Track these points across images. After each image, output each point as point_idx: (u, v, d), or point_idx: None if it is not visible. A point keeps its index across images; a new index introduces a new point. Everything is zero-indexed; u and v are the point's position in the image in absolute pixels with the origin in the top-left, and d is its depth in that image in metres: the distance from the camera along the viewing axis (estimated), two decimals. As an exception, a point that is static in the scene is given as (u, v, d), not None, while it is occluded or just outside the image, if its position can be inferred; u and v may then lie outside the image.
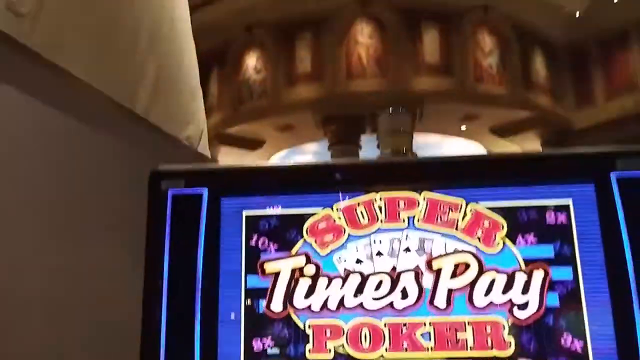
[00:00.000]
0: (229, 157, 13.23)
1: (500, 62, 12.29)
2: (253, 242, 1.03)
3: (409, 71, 11.72)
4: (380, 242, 1.02)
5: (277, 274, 1.02)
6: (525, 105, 12.32)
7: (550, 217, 1.00)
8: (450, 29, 12.00)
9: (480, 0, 11.95)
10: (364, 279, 1.01)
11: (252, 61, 12.61)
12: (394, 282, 1.00)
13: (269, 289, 1.01)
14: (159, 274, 1.02)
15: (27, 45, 1.61)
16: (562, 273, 0.98)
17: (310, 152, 14.85)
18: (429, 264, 1.01)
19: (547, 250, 0.99)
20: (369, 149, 12.13)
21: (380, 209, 1.03)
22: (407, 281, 1.00)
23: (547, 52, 13.25)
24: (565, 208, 0.99)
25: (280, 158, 14.69)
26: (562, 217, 0.99)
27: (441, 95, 11.61)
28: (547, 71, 13.11)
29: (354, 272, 1.01)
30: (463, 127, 12.91)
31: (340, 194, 1.03)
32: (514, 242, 1.00)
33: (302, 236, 1.03)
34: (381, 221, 1.03)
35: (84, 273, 1.66)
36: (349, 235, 1.03)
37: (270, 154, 14.10)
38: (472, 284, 0.99)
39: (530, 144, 13.47)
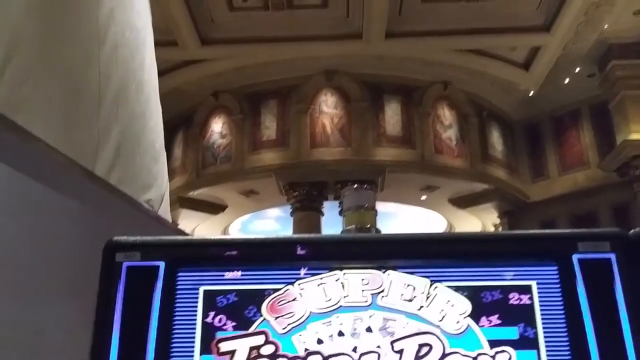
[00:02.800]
0: (191, 221, 13.04)
1: (459, 135, 12.70)
2: (209, 319, 0.99)
3: (371, 141, 11.99)
4: (342, 321, 0.99)
5: (233, 354, 0.96)
6: (482, 178, 12.67)
7: (514, 298, 0.99)
8: (411, 102, 12.42)
9: (440, 76, 12.46)
10: (325, 360, 0.97)
11: (217, 126, 12.71)
12: (356, 364, 0.96)
13: (225, 370, 0.96)
14: (107, 350, 0.96)
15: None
16: (526, 356, 0.96)
17: (272, 218, 14.78)
18: (392, 345, 0.97)
19: (512, 332, 0.97)
20: (331, 216, 12.16)
21: (343, 285, 1.01)
22: (370, 363, 0.97)
23: (504, 127, 13.81)
24: (529, 289, 0.99)
25: (242, 223, 14.56)
26: (525, 298, 0.99)
27: (402, 166, 11.87)
28: (504, 146, 13.61)
29: (314, 352, 0.97)
30: (423, 197, 13.13)
31: (302, 270, 1.00)
32: (477, 323, 0.98)
33: (261, 314, 0.99)
34: (344, 298, 1.00)
35: (32, 335, 1.57)
36: (310, 313, 0.99)
37: (232, 218, 13.98)
38: (436, 367, 0.96)
39: (487, 215, 13.77)
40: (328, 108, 12.12)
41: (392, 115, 12.22)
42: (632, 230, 1.00)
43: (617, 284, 0.96)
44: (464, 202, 13.22)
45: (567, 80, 12.54)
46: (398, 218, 13.90)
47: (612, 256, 0.97)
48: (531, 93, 12.90)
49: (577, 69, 12.20)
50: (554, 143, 13.50)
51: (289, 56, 11.67)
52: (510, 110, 13.73)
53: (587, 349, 0.94)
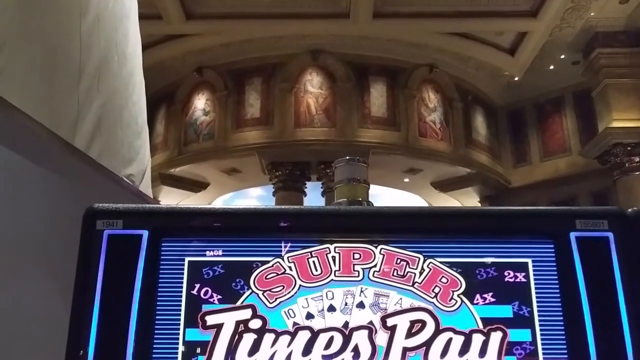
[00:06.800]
0: (171, 198, 12.93)
1: (443, 118, 12.71)
2: (195, 291, 0.95)
3: (356, 122, 11.94)
4: (333, 296, 0.96)
5: (219, 327, 0.93)
6: (465, 162, 12.72)
7: (509, 276, 0.96)
8: (396, 83, 12.37)
9: (426, 59, 12.41)
10: (314, 335, 0.93)
11: (200, 102, 12.54)
12: (346, 340, 0.94)
13: (210, 344, 0.92)
14: (87, 324, 0.91)
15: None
16: (520, 335, 0.94)
17: (254, 197, 14.72)
18: (383, 321, 0.95)
19: (506, 311, 0.95)
20: (313, 196, 12.14)
21: (334, 259, 0.97)
22: (360, 339, 0.94)
23: (488, 112, 13.84)
24: (524, 267, 0.97)
25: (223, 201, 14.48)
26: (521, 276, 0.96)
27: (386, 148, 11.85)
28: (487, 130, 13.65)
29: (304, 327, 0.94)
30: (406, 180, 13.17)
31: (292, 243, 0.97)
32: (471, 300, 0.96)
33: (248, 287, 0.95)
34: (334, 273, 0.97)
35: (13, 309, 1.52)
36: (299, 287, 0.96)
37: (214, 196, 13.88)
38: (428, 344, 0.94)
39: (469, 199, 13.86)
40: (313, 88, 12.02)
41: (378, 97, 12.17)
42: (630, 209, 0.98)
43: (614, 263, 0.94)
44: (446, 185, 13.29)
45: (551, 67, 12.58)
46: (381, 200, 13.93)
47: (610, 235, 0.95)
48: (516, 78, 12.93)
49: (562, 56, 12.23)
50: (537, 129, 13.58)
51: (274, 33, 11.52)
52: (494, 95, 13.76)
53: (582, 328, 0.92)
